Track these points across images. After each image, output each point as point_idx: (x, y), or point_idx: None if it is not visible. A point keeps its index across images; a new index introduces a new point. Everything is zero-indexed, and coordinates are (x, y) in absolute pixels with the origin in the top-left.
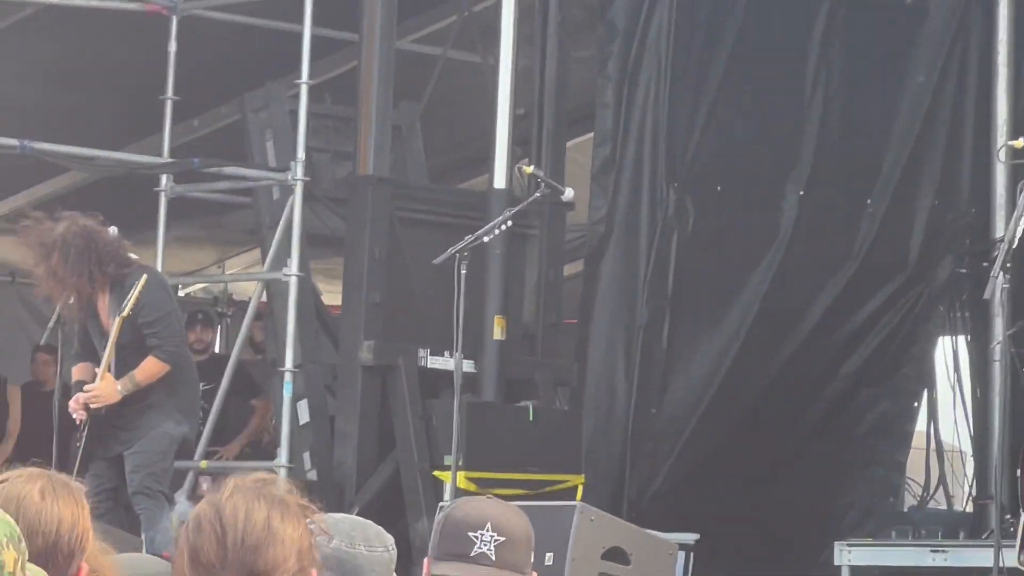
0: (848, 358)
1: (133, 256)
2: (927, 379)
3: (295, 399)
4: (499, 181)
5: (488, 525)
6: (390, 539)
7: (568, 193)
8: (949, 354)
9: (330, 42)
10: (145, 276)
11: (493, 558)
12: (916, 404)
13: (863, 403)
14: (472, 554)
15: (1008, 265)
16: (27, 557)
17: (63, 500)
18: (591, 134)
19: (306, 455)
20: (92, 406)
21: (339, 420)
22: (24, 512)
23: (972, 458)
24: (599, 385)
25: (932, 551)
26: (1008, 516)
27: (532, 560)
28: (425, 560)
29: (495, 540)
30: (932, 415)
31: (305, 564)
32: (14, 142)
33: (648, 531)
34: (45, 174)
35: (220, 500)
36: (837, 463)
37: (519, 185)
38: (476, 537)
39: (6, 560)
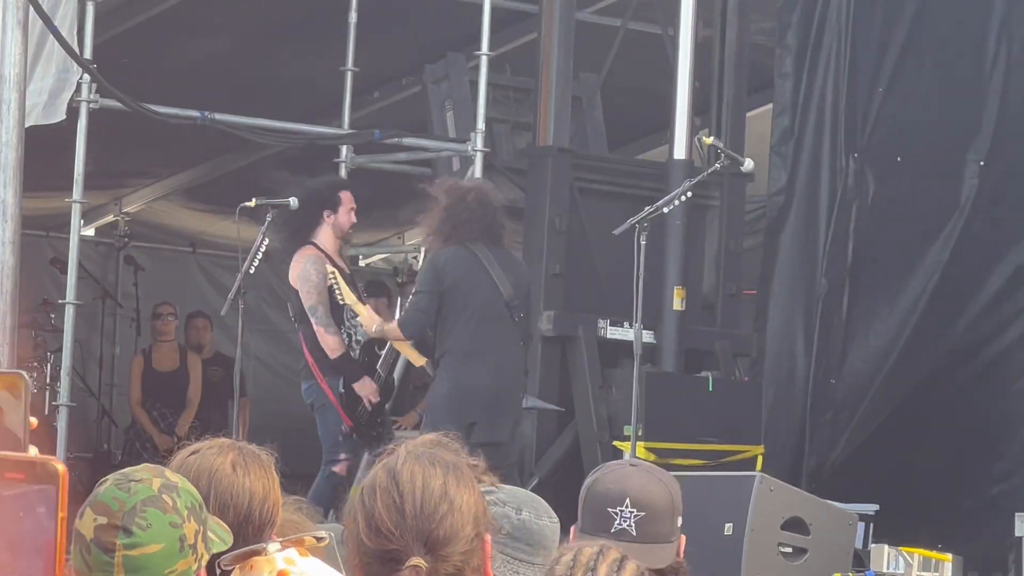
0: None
1: None
2: None
3: None
4: (679, 152)
5: (628, 501)
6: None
7: (748, 164)
8: None
9: (510, 13)
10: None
11: (634, 533)
12: None
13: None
14: (613, 530)
15: None
16: (207, 526)
17: (255, 473)
18: (770, 104)
19: None
20: None
21: None
22: (216, 485)
23: None
24: (778, 355)
25: None
26: None
27: (679, 524)
28: (572, 528)
29: (635, 515)
30: None
31: (481, 530)
32: (195, 113)
33: (828, 502)
34: (227, 146)
35: (396, 466)
36: (998, 418)
37: (699, 156)
38: (616, 513)
39: (187, 532)
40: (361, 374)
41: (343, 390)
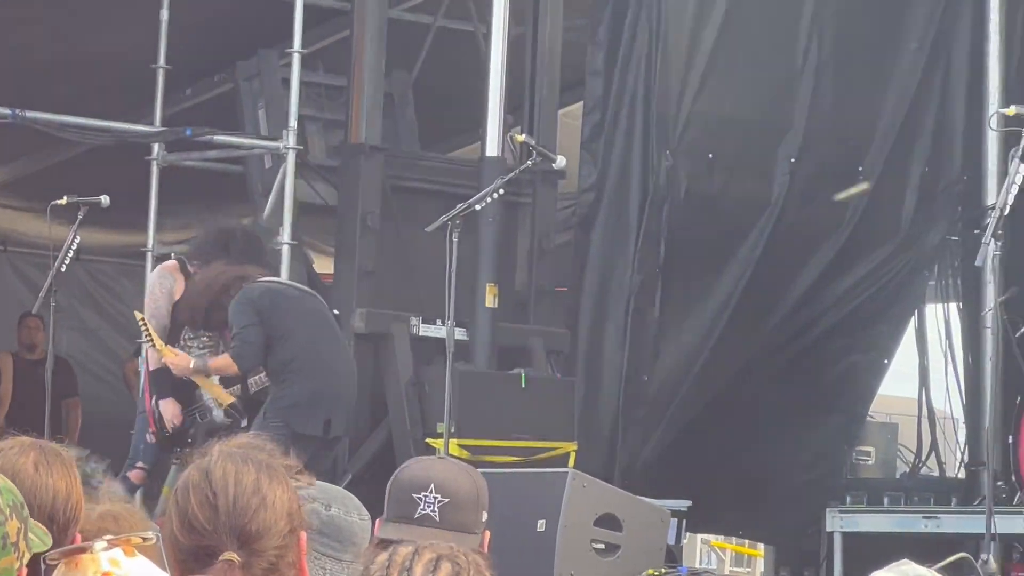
0: (830, 316)
1: None
2: (899, 339)
3: None
4: (491, 149)
5: (432, 487)
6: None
7: (559, 161)
8: (941, 321)
9: (323, 11)
10: None
11: (437, 519)
12: (886, 361)
13: (835, 353)
14: (416, 515)
15: (999, 232)
16: (29, 525)
17: (57, 472)
18: (582, 102)
19: None
20: None
21: None
22: (19, 486)
23: (964, 425)
24: (591, 352)
25: (924, 517)
26: (1000, 483)
27: (484, 519)
28: (377, 520)
29: (439, 501)
30: (924, 382)
31: (295, 526)
32: (6, 111)
33: (640, 498)
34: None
35: (209, 466)
36: (804, 410)
37: (511, 153)
38: (420, 499)
39: (9, 531)
40: (169, 394)
41: (156, 404)
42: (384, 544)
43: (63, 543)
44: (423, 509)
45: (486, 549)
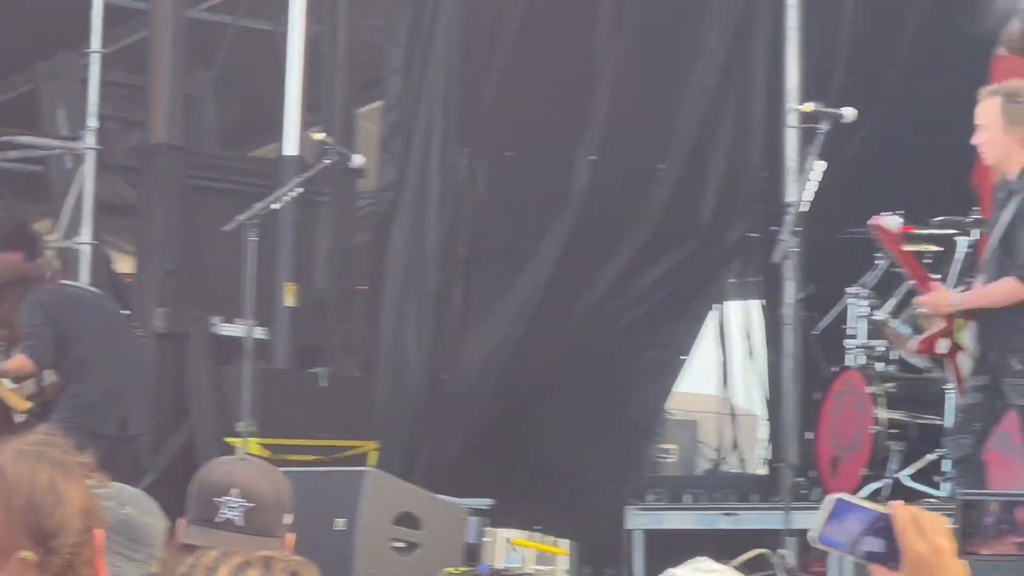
0: (631, 314)
1: None
2: (696, 335)
3: None
4: (289, 148)
5: (234, 491)
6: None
7: (357, 160)
8: (742, 318)
9: (122, 11)
10: None
11: (240, 523)
12: (683, 358)
13: (633, 349)
14: (218, 520)
15: (798, 229)
16: None
17: None
18: (382, 101)
19: None
20: None
21: None
22: None
23: (765, 422)
24: (391, 351)
25: (724, 514)
26: (799, 479)
27: (288, 523)
28: (179, 520)
29: (242, 506)
30: (725, 379)
31: (91, 524)
32: None
33: (439, 496)
34: None
35: (2, 463)
36: (603, 407)
37: (310, 152)
38: (222, 503)
39: None
40: None
41: None
42: (187, 548)
43: None
44: (225, 513)
45: (289, 550)
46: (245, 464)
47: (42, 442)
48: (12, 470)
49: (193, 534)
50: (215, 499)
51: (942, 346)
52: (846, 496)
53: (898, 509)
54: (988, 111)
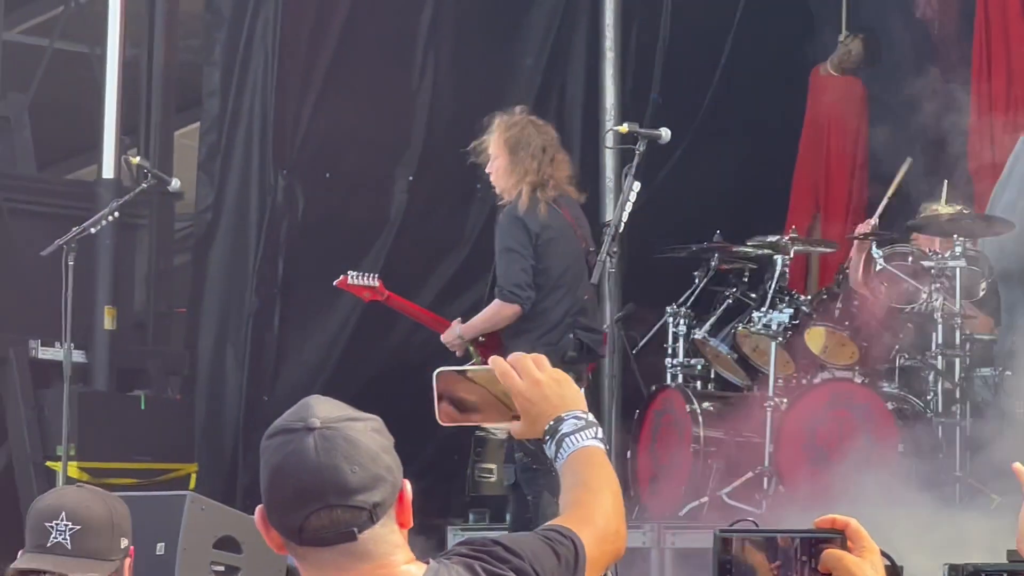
0: None
1: None
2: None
3: None
4: (107, 171)
5: (63, 514)
6: None
7: (174, 183)
8: None
9: None
10: None
11: (69, 547)
12: None
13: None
14: (49, 544)
15: (615, 250)
16: None
17: None
18: (199, 122)
19: None
20: None
21: None
22: None
23: None
24: (211, 373)
25: None
26: None
27: (124, 546)
28: (20, 552)
29: (70, 529)
30: None
31: None
32: None
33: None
34: None
35: None
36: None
37: (128, 175)
38: (52, 527)
39: None
40: None
41: None
42: (20, 573)
43: None
44: (55, 537)
45: (127, 574)
46: (77, 490)
47: None
48: None
49: (26, 560)
50: (45, 524)
51: None
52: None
53: (495, 359)
54: None
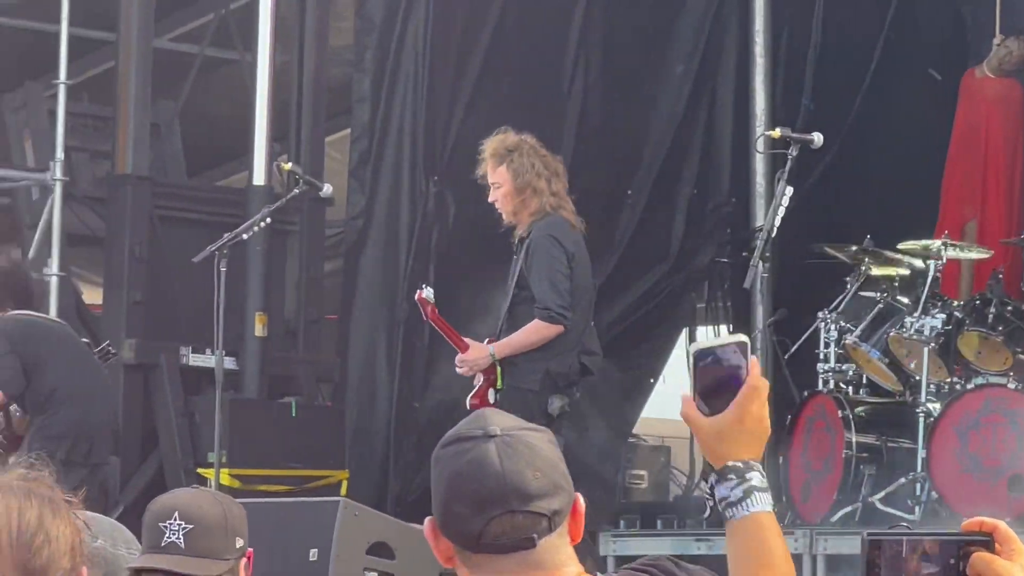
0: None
1: None
2: (666, 358)
3: None
4: (258, 178)
5: (176, 514)
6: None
7: (326, 189)
8: None
9: (88, 42)
10: None
11: (183, 546)
12: (652, 381)
13: (602, 373)
14: (163, 543)
15: (767, 254)
16: None
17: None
18: (349, 129)
19: None
20: None
21: None
22: None
23: None
24: (361, 380)
25: (696, 539)
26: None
27: (239, 546)
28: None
29: (183, 528)
30: None
31: (77, 562)
32: None
33: (413, 525)
34: None
35: None
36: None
37: (278, 181)
38: (165, 527)
39: None
40: None
41: None
42: (136, 573)
43: None
44: (168, 537)
45: (243, 575)
46: (191, 491)
47: (27, 477)
48: (0, 508)
49: (142, 560)
50: (159, 524)
51: (492, 396)
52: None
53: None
54: None
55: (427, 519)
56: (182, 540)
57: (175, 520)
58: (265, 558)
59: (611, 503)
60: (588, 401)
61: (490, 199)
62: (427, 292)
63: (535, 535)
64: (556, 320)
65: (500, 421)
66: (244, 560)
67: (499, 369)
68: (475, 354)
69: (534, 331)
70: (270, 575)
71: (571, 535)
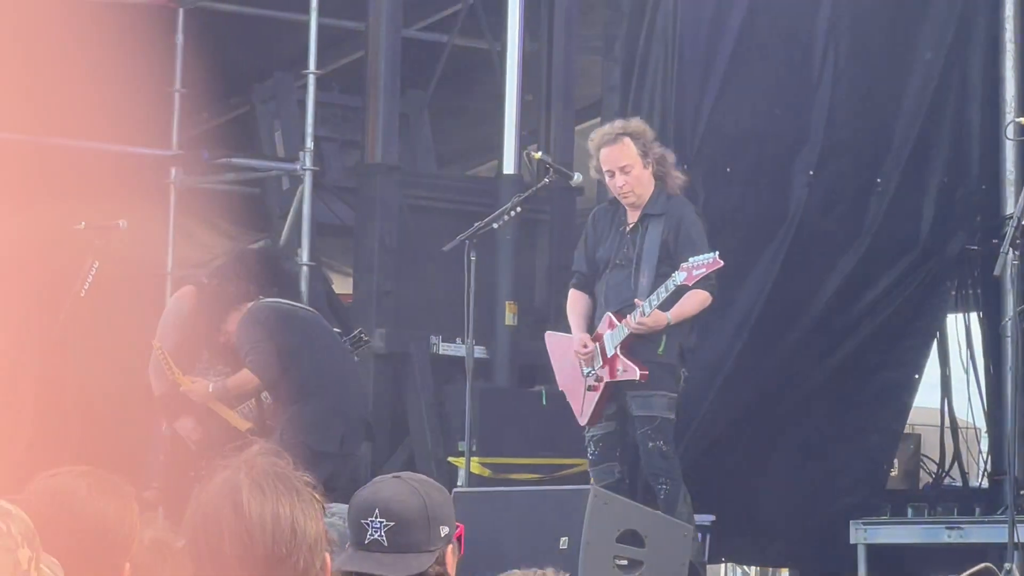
0: (857, 332)
1: None
2: (928, 352)
3: None
4: (508, 167)
5: (376, 512)
6: None
7: (577, 178)
8: (962, 331)
9: (337, 32)
10: None
11: (385, 544)
12: (917, 376)
13: (866, 372)
14: (366, 541)
15: (1018, 242)
16: (40, 555)
17: (110, 498)
18: (599, 118)
19: None
20: None
21: None
22: (68, 507)
23: (987, 434)
24: None
25: (947, 528)
26: (1023, 491)
27: (444, 534)
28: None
29: (385, 526)
30: (946, 392)
31: (320, 552)
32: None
33: (662, 514)
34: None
35: (239, 498)
36: (837, 430)
37: (528, 170)
38: (368, 524)
39: (21, 558)
40: (178, 415)
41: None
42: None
43: (107, 571)
44: (371, 535)
45: (449, 564)
46: (392, 482)
47: (274, 471)
48: (252, 507)
49: (345, 558)
50: (362, 521)
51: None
52: None
53: None
54: None
55: None
56: (384, 538)
57: (376, 517)
58: (515, 546)
59: (877, 499)
60: (851, 397)
61: (619, 183)
62: None
63: None
64: (714, 294)
65: None
66: (451, 546)
67: (663, 338)
68: (654, 319)
69: (701, 301)
70: (521, 562)
71: None
